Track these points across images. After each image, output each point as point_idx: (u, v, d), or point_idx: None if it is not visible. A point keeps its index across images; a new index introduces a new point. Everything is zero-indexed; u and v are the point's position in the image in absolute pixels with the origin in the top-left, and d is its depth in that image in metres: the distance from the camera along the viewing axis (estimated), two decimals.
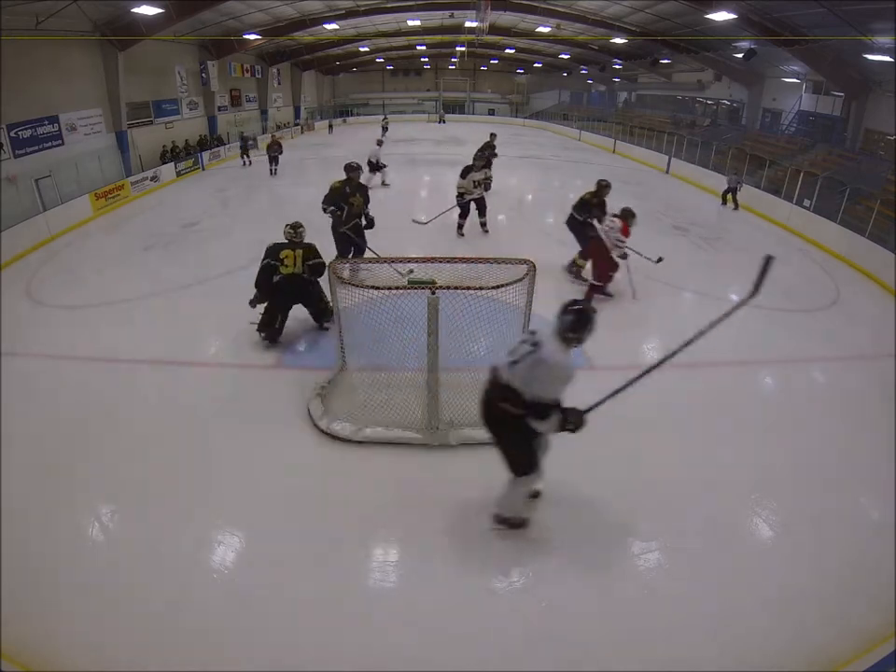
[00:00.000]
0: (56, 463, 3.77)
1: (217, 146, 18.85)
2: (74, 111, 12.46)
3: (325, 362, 4.83)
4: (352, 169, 6.59)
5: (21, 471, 3.66)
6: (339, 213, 6.38)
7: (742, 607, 2.82)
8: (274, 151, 15.20)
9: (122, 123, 14.00)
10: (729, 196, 12.05)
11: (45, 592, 2.84)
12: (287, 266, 5.06)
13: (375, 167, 12.60)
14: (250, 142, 17.85)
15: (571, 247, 6.95)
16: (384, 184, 12.98)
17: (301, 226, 5.25)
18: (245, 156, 17.14)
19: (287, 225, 5.24)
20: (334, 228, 6.48)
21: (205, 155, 17.27)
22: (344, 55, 29.51)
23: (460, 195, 8.46)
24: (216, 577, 2.98)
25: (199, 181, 15.17)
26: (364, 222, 6.63)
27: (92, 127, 13.15)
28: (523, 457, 2.69)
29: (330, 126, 29.24)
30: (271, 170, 15.42)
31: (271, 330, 5.27)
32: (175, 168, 15.21)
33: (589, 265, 6.26)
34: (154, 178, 13.98)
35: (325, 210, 6.47)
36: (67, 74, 12.12)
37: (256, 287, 5.28)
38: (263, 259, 5.15)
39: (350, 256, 6.45)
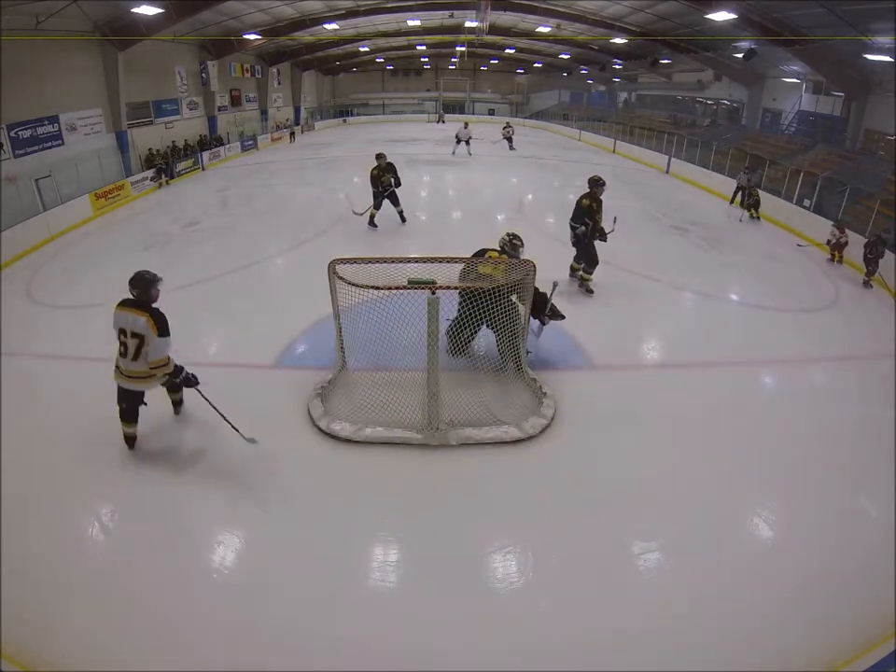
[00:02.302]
0: (56, 463, 3.77)
1: (217, 145, 18.85)
2: (74, 111, 12.47)
3: (325, 362, 4.83)
4: (597, 184, 6.31)
5: (21, 471, 3.66)
6: (586, 230, 6.32)
7: (742, 607, 2.82)
8: (386, 185, 8.67)
9: (122, 123, 14.01)
10: (738, 197, 12.02)
11: (45, 592, 2.84)
12: (485, 267, 4.50)
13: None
14: (388, 185, 8.72)
15: (571, 248, 6.90)
16: None
17: (519, 239, 5.03)
18: (376, 208, 9.01)
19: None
20: (583, 240, 6.47)
21: (205, 155, 17.27)
22: (344, 55, 29.52)
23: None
24: (215, 577, 2.98)
25: (199, 181, 15.18)
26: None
27: (92, 127, 13.17)
28: None
29: (292, 134, 23.95)
30: (372, 216, 8.98)
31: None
32: (175, 168, 15.18)
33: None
34: (154, 178, 14.01)
35: (578, 229, 6.36)
36: (67, 74, 12.13)
37: None
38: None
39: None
